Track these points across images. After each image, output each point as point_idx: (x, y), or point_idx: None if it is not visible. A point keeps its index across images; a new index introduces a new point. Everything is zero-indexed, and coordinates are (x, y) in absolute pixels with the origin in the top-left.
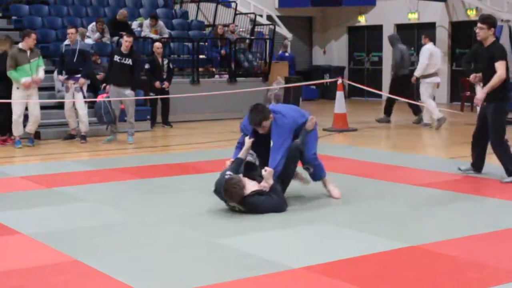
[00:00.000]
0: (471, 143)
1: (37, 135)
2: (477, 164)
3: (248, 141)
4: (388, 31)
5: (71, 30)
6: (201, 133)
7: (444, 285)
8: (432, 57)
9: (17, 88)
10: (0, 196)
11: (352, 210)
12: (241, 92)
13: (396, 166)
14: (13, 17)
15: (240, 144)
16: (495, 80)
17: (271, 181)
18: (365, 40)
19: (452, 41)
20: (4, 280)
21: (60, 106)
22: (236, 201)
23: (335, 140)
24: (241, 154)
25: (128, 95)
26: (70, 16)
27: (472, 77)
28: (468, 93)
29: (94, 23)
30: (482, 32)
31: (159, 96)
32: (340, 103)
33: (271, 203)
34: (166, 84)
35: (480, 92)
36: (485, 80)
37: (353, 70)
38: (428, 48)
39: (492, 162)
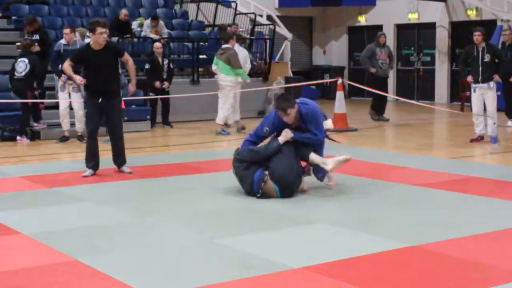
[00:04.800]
0: (92, 142)
1: (37, 135)
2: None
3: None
4: (388, 31)
5: (66, 31)
6: (201, 133)
7: (444, 285)
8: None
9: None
10: (0, 196)
11: (352, 210)
12: (241, 92)
13: (396, 166)
14: (13, 17)
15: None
16: (133, 68)
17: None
18: (365, 40)
19: (452, 41)
20: (4, 280)
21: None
22: None
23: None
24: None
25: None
26: (70, 16)
27: (469, 78)
28: (468, 93)
29: None
30: (105, 36)
31: (159, 96)
32: (340, 103)
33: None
34: (166, 84)
35: (132, 86)
36: (99, 77)
37: (353, 70)
38: (242, 49)
39: (488, 162)
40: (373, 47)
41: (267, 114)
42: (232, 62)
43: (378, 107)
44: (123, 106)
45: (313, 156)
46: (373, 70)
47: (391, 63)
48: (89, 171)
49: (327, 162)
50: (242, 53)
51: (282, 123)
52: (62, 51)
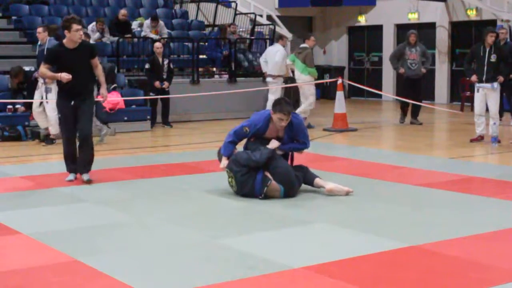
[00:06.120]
0: (70, 146)
1: (37, 135)
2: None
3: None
4: (388, 31)
5: (39, 30)
6: (201, 133)
7: (444, 285)
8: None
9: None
10: (0, 196)
11: (352, 210)
12: (241, 92)
13: (396, 166)
14: (13, 17)
15: (235, 138)
16: (102, 72)
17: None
18: (365, 40)
19: (452, 41)
20: (4, 280)
21: None
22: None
23: (335, 140)
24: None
25: None
26: None
27: (473, 77)
28: (468, 93)
29: (94, 23)
30: (81, 33)
31: (159, 96)
32: (340, 103)
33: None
34: (166, 84)
35: (103, 89)
36: (73, 78)
37: (353, 70)
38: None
39: (488, 162)
40: (402, 47)
41: (253, 115)
42: (307, 61)
43: (405, 110)
44: (123, 106)
45: (318, 180)
46: (401, 70)
47: (426, 63)
48: (72, 175)
49: (329, 183)
50: (281, 52)
51: (263, 130)
52: (37, 52)
